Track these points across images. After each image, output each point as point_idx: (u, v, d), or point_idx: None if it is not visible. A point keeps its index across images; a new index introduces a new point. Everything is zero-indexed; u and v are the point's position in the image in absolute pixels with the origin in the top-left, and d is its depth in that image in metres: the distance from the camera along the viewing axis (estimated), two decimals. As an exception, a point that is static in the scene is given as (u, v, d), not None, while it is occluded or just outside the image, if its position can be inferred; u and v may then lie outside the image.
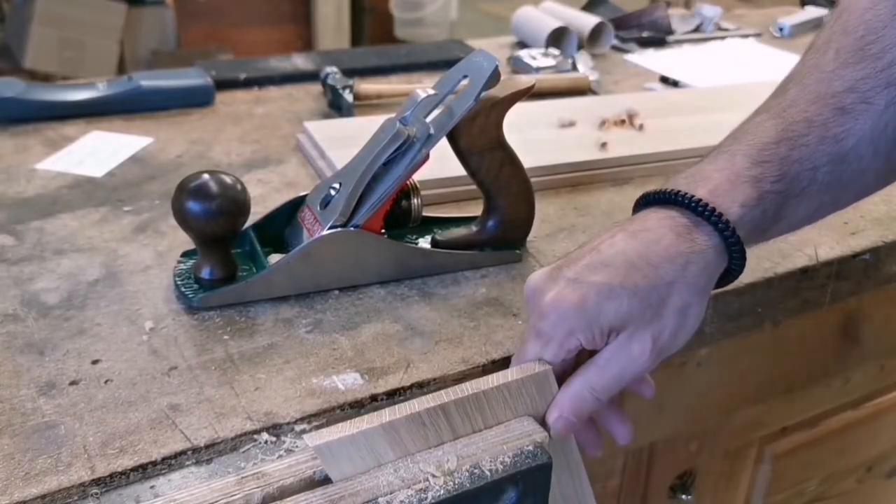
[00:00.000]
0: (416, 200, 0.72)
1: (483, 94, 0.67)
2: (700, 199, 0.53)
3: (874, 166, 0.56)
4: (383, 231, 0.70)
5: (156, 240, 0.76)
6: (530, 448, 0.52)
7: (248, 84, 1.16)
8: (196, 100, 1.08)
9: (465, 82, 0.68)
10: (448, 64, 1.27)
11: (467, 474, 0.51)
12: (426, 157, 0.68)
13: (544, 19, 1.37)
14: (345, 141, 0.92)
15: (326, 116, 1.07)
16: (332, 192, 0.68)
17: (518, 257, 0.74)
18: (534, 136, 0.96)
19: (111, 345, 0.62)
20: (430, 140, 0.67)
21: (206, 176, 0.64)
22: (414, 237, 0.75)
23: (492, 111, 0.69)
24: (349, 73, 1.15)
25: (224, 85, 1.13)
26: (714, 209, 0.52)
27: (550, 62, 1.23)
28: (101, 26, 3.19)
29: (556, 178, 0.89)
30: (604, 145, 0.93)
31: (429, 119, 0.68)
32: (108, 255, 0.73)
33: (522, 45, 1.39)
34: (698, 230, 0.53)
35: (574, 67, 1.24)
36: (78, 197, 0.84)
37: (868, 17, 0.56)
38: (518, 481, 0.52)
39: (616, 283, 0.51)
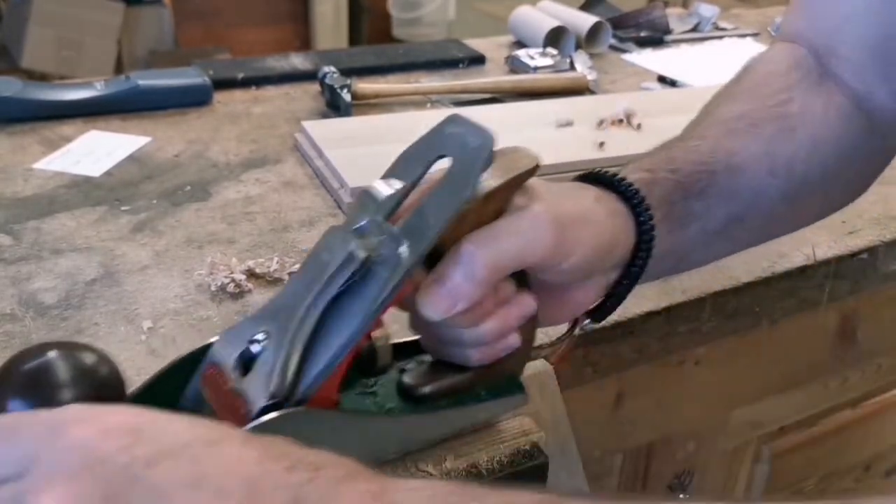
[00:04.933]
0: (380, 337, 0.49)
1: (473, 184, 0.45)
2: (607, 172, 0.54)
3: (776, 187, 0.58)
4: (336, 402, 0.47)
5: (153, 239, 0.76)
6: (527, 448, 0.52)
7: (245, 83, 1.16)
8: (194, 99, 1.08)
9: (442, 164, 0.47)
10: (446, 63, 1.28)
11: (464, 473, 0.51)
12: (404, 286, 0.45)
13: (542, 19, 1.37)
14: (343, 141, 0.92)
15: (324, 116, 1.07)
16: (255, 347, 0.45)
17: (525, 400, 0.53)
18: (531, 135, 0.96)
19: (109, 344, 0.61)
20: (402, 262, 0.44)
21: (41, 361, 0.42)
22: (373, 390, 0.51)
23: (487, 205, 0.46)
24: (347, 72, 1.15)
25: (222, 84, 1.13)
26: (623, 178, 0.54)
27: (548, 62, 1.23)
28: (98, 26, 3.18)
29: (554, 177, 0.89)
30: (602, 145, 0.93)
31: (396, 224, 0.46)
32: (105, 255, 0.73)
33: (520, 44, 1.39)
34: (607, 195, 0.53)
35: (572, 67, 1.24)
36: (75, 196, 0.84)
37: (766, 70, 0.63)
38: (515, 481, 0.52)
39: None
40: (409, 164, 0.48)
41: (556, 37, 1.34)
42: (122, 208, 0.82)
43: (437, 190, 0.46)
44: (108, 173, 0.89)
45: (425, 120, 1.01)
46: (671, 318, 0.69)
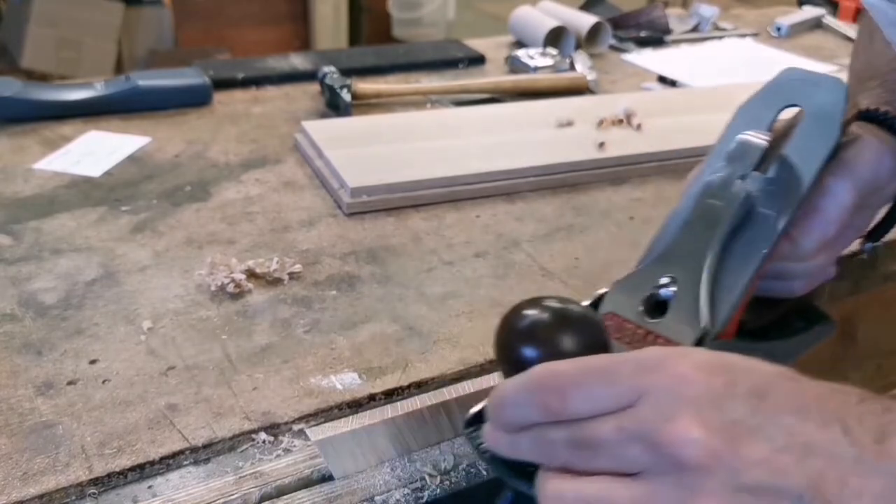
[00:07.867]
0: None
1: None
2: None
3: None
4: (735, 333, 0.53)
5: (153, 239, 0.76)
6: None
7: (245, 84, 1.16)
8: (194, 99, 1.08)
9: (790, 113, 0.52)
10: (446, 63, 1.28)
11: (464, 473, 0.51)
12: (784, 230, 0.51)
13: (542, 19, 1.37)
14: (343, 141, 0.93)
15: (324, 116, 1.07)
16: (665, 291, 0.49)
17: (835, 330, 0.58)
18: (531, 135, 0.96)
19: (109, 345, 0.62)
20: (785, 206, 0.49)
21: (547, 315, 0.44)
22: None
23: None
24: (347, 72, 1.15)
25: (222, 84, 1.13)
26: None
27: (548, 62, 1.23)
28: (98, 26, 3.18)
29: (553, 177, 0.89)
30: (601, 145, 0.93)
31: (758, 171, 0.51)
32: (105, 255, 0.73)
33: (520, 44, 1.39)
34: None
35: (572, 67, 1.24)
36: (75, 197, 0.84)
37: None
38: None
39: None
40: (755, 117, 0.51)
41: (556, 37, 1.34)
42: (122, 208, 0.82)
43: (799, 139, 0.50)
44: (108, 173, 0.89)
45: (425, 120, 1.02)
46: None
